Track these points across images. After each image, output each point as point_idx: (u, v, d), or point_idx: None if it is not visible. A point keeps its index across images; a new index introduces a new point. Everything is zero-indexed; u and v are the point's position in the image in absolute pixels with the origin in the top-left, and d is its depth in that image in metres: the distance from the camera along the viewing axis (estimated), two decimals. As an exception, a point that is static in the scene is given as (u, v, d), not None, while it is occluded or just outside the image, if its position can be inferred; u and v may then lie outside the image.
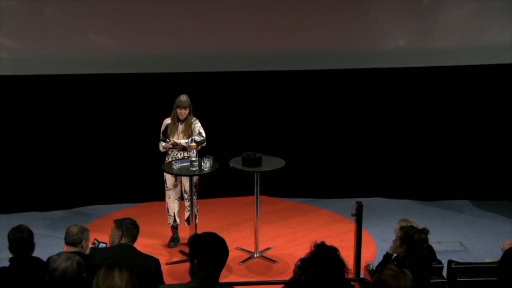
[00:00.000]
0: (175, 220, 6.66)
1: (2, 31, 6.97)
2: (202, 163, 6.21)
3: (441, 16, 7.60)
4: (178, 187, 6.61)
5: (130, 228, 4.46)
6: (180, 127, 6.50)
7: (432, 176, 8.08)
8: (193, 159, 6.18)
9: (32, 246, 4.30)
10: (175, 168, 6.23)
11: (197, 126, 6.51)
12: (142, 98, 7.67)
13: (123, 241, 4.45)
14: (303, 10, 7.29)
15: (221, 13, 7.26)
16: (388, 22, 7.65)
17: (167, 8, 7.20)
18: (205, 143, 6.50)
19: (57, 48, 7.29)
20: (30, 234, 4.30)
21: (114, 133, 7.72)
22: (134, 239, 4.46)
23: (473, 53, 7.55)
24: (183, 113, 6.44)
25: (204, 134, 6.48)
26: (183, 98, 6.46)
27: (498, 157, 7.97)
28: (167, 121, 6.56)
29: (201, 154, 6.36)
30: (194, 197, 6.43)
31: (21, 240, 4.23)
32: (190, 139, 6.44)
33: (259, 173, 6.26)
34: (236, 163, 6.34)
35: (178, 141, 6.45)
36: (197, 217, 6.60)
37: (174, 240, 6.74)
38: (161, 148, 6.55)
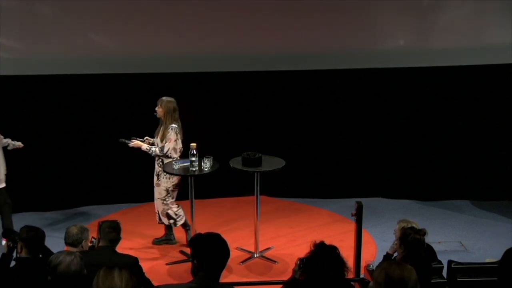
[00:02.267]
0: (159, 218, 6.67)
1: (2, 31, 6.97)
2: (202, 163, 6.21)
3: (441, 16, 7.60)
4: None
5: (106, 232, 4.48)
6: (160, 128, 6.43)
7: (432, 176, 8.08)
8: (193, 159, 6.17)
9: (41, 249, 4.28)
10: (175, 168, 6.23)
11: (166, 137, 6.33)
12: (142, 98, 7.66)
13: (101, 243, 4.49)
14: (303, 10, 7.29)
15: (221, 13, 7.26)
16: (388, 22, 7.65)
17: (167, 8, 7.21)
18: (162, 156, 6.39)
19: (57, 48, 7.29)
20: (43, 233, 4.29)
21: (114, 133, 7.70)
22: (111, 242, 4.48)
23: (473, 53, 7.55)
24: (156, 110, 6.36)
25: (166, 150, 6.31)
26: (163, 97, 6.37)
27: (498, 157, 7.97)
28: None
29: (201, 154, 6.35)
30: (172, 199, 6.45)
31: (36, 239, 4.22)
32: (153, 147, 6.39)
33: (259, 173, 6.25)
34: (236, 163, 6.34)
35: (137, 143, 6.46)
36: (176, 218, 6.56)
37: (162, 237, 6.75)
38: None
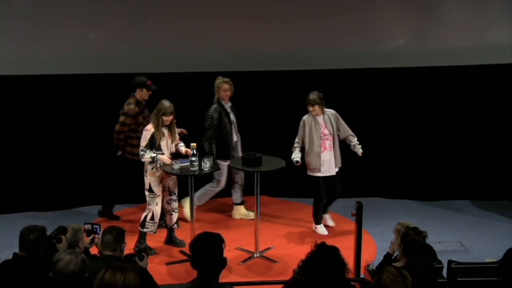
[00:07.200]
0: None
1: (2, 31, 6.97)
2: (202, 163, 6.21)
3: (441, 16, 7.61)
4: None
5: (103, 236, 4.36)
6: (165, 131, 6.27)
7: (432, 176, 8.08)
8: (193, 159, 6.17)
9: (36, 250, 4.18)
10: (175, 168, 6.22)
11: (177, 130, 6.46)
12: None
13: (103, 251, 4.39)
14: (303, 11, 7.29)
15: (221, 13, 7.26)
16: (388, 22, 7.65)
17: (167, 8, 7.20)
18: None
19: (56, 48, 7.29)
20: (38, 238, 4.18)
21: (113, 133, 7.71)
22: (107, 245, 4.35)
23: (473, 53, 7.56)
24: (170, 119, 6.21)
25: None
26: (168, 103, 6.17)
27: (498, 157, 7.97)
28: (151, 128, 6.20)
29: (201, 154, 6.35)
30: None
31: (25, 239, 4.19)
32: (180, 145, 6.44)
33: (259, 173, 6.25)
34: (236, 163, 6.33)
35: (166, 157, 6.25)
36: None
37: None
38: (148, 157, 6.21)
